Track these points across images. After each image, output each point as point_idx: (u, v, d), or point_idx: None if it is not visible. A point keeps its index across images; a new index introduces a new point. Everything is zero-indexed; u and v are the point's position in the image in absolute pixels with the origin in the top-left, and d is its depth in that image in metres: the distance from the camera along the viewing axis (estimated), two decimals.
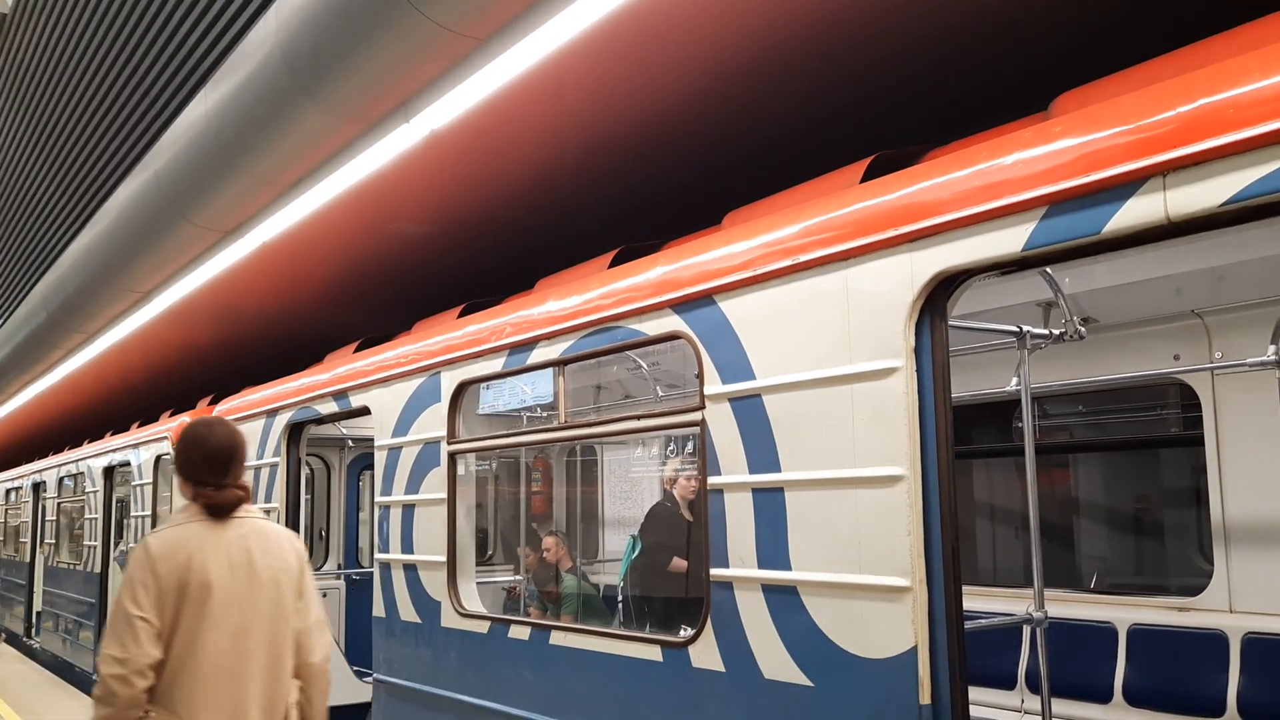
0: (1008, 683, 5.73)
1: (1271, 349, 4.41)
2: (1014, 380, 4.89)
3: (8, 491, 20.04)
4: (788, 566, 3.29)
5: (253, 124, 6.24)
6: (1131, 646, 5.27)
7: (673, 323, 3.87)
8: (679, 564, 6.92)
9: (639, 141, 5.88)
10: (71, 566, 14.04)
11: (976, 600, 5.39)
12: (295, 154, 6.32)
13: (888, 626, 2.96)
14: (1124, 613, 5.36)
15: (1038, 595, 3.56)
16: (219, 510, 3.53)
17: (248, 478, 7.08)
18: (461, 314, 5.88)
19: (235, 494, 3.57)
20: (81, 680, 12.75)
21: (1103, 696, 5.26)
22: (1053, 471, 6.58)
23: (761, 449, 3.44)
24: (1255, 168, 2.30)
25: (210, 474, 3.57)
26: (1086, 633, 5.41)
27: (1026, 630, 5.67)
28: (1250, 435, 4.93)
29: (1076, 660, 5.35)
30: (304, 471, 7.29)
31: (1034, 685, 5.60)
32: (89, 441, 14.27)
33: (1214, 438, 5.07)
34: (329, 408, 6.54)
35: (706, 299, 3.73)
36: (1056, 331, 4.02)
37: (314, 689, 3.66)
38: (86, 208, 11.83)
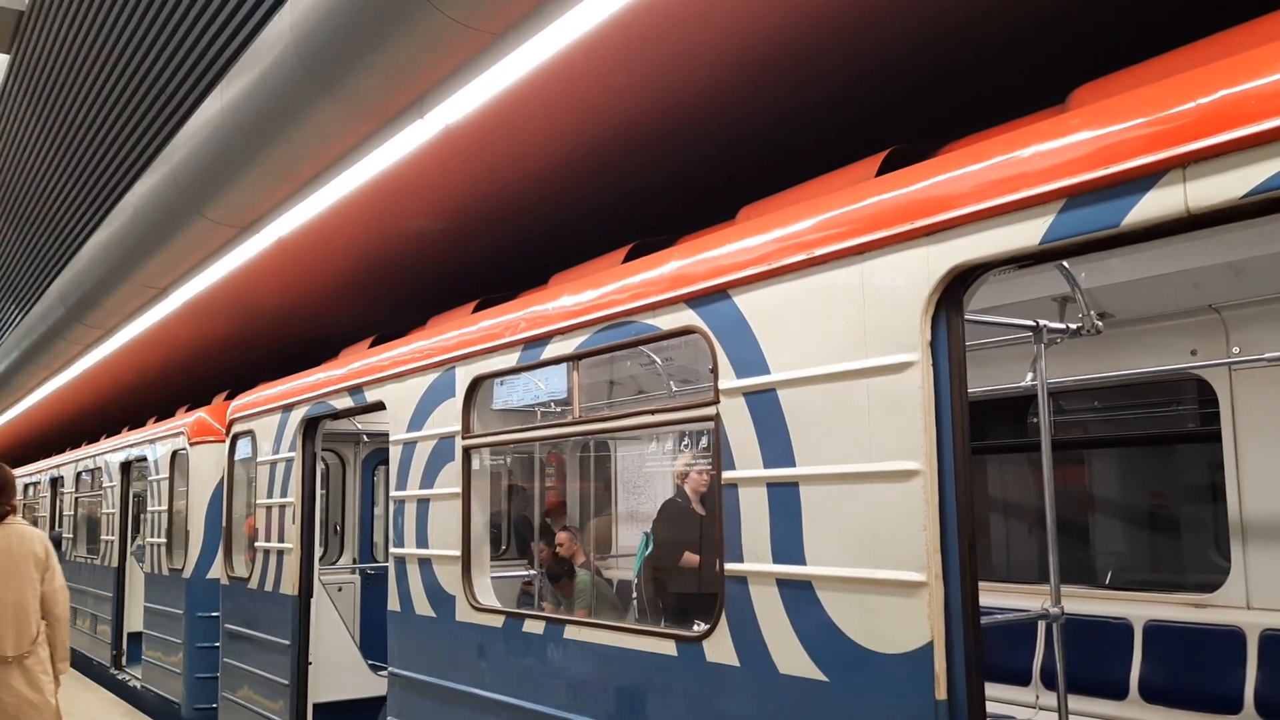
0: (1023, 679, 5.71)
1: None
2: (1029, 375, 4.87)
3: (26, 486, 20.18)
4: (802, 561, 3.28)
5: (267, 120, 6.27)
6: (1147, 643, 5.24)
7: (687, 317, 3.86)
8: (691, 559, 6.92)
9: (653, 136, 5.87)
10: (89, 561, 14.15)
11: (990, 596, 5.37)
12: (310, 150, 6.35)
13: (904, 622, 2.95)
14: (1140, 609, 5.34)
15: (1054, 591, 3.54)
16: None
17: (264, 472, 7.29)
18: (476, 309, 5.89)
19: (3, 509, 6.32)
20: (99, 673, 12.86)
21: (1118, 693, 5.23)
22: (1067, 468, 6.54)
23: (776, 443, 3.43)
24: (1278, 159, 2.28)
25: None
26: (1102, 629, 5.39)
27: (1041, 626, 5.65)
28: (1268, 431, 4.90)
29: (1092, 656, 5.33)
30: (319, 466, 7.32)
31: (1049, 681, 5.58)
32: (106, 437, 14.37)
33: (1231, 433, 5.04)
34: (344, 403, 6.56)
35: (721, 293, 3.72)
36: (1073, 326, 3.99)
37: (56, 631, 6.36)
38: (103, 204, 11.91)
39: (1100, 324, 4.01)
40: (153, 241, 9.09)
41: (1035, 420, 6.16)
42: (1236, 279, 4.80)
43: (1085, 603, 5.48)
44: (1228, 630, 4.94)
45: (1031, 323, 3.82)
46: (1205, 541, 5.83)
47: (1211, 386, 5.14)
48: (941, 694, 2.84)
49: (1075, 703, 4.80)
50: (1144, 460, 6.43)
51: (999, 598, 5.67)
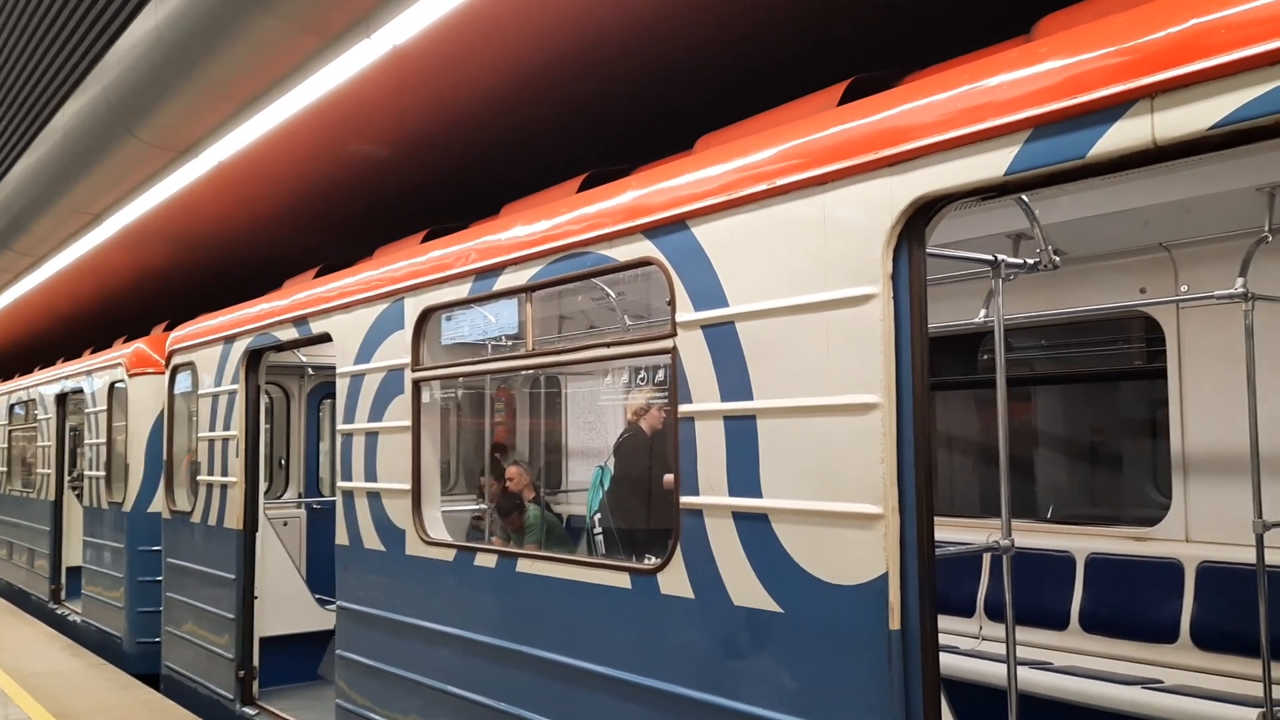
0: (967, 610, 5.83)
1: (1240, 282, 4.42)
2: (982, 312, 4.88)
3: None
4: (759, 494, 3.27)
5: (205, 35, 5.99)
6: (1089, 575, 5.37)
7: (644, 248, 3.79)
8: (659, 487, 6.91)
9: (609, 61, 5.73)
10: (25, 495, 13.84)
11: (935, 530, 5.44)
12: (250, 67, 6.09)
13: (859, 553, 2.96)
14: (1083, 542, 5.45)
15: (1005, 524, 3.58)
16: None
17: (206, 405, 7.22)
18: (425, 239, 5.74)
19: None
20: (37, 608, 12.66)
21: (1059, 623, 5.36)
22: (1014, 404, 6.62)
23: (734, 377, 3.40)
24: (1245, 90, 2.25)
25: None
26: (1046, 561, 5.50)
27: (986, 559, 5.76)
28: (1212, 369, 4.98)
29: (1035, 588, 5.44)
30: (263, 400, 7.16)
31: (992, 612, 5.71)
32: (40, 368, 13.97)
33: (1177, 371, 5.12)
34: (289, 334, 6.40)
35: (679, 224, 3.65)
36: (1031, 261, 3.99)
37: None
38: (31, 126, 11.39)
39: (1057, 259, 4.00)
40: (85, 165, 8.74)
41: (985, 357, 6.22)
42: (1186, 217, 4.83)
43: (1029, 536, 5.58)
44: (1167, 562, 5.07)
45: (990, 257, 3.80)
46: (1147, 477, 5.95)
47: (1159, 324, 5.20)
48: (895, 624, 2.86)
49: (1018, 633, 4.90)
50: (1090, 397, 6.53)
51: (942, 532, 5.74)
